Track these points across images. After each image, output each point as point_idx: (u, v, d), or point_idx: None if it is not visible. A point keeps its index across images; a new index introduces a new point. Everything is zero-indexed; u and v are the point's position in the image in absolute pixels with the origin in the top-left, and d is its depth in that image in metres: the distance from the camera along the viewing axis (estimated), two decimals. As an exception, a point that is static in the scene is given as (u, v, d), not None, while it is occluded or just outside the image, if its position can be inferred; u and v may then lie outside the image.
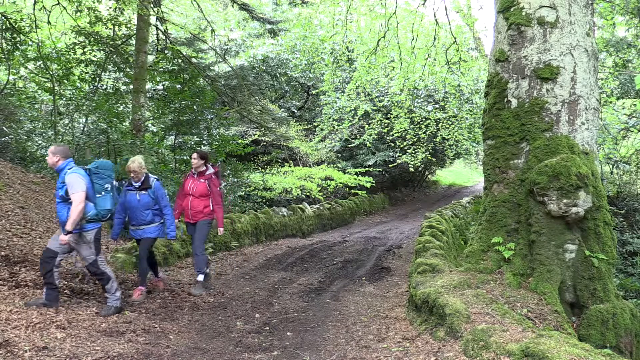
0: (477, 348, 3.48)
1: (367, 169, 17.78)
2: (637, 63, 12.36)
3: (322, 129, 15.78)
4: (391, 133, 15.87)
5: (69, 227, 4.46)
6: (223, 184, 10.93)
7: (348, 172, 17.20)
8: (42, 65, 10.20)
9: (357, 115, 14.86)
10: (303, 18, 14.11)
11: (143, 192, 5.45)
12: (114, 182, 4.97)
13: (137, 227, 5.52)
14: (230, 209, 10.99)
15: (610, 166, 13.12)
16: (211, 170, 6.28)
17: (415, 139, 16.48)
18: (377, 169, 18.52)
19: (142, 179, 5.47)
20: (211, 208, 6.18)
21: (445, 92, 14.29)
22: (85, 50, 10.76)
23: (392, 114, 15.20)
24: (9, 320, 3.99)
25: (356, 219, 16.41)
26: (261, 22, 15.51)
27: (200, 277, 6.14)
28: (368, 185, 16.25)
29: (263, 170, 15.63)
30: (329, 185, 15.82)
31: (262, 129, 15.81)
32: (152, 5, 10.98)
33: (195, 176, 6.22)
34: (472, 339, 3.58)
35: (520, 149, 5.14)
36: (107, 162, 5.00)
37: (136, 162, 5.45)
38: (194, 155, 6.28)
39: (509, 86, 5.28)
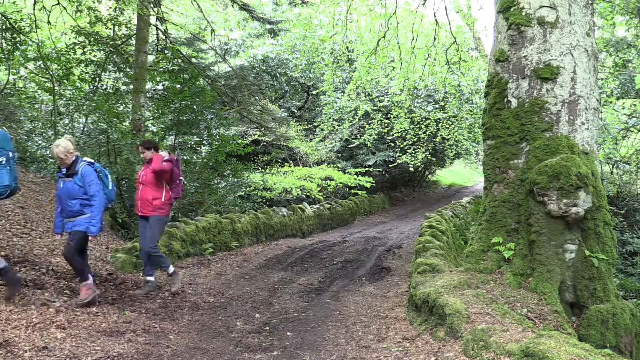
0: (477, 348, 3.48)
1: (367, 169, 17.78)
2: (637, 63, 12.36)
3: (322, 129, 15.79)
4: (391, 133, 15.88)
5: None
6: (222, 181, 10.92)
7: (348, 172, 17.20)
8: (42, 65, 10.19)
9: (357, 116, 14.87)
10: (303, 18, 14.12)
11: (69, 179, 4.88)
12: (12, 154, 4.45)
13: (68, 219, 4.93)
14: (230, 209, 10.99)
15: (610, 166, 13.13)
16: (166, 157, 5.85)
17: (415, 139, 16.48)
18: (377, 169, 18.52)
19: (70, 164, 4.91)
20: (162, 200, 5.78)
21: (445, 92, 14.30)
22: (85, 50, 10.75)
23: (392, 114, 15.20)
24: (9, 320, 3.99)
25: (356, 219, 16.41)
26: (261, 22, 15.52)
27: (150, 278, 5.73)
28: (368, 185, 16.25)
29: (263, 170, 15.63)
30: (329, 185, 15.82)
31: (262, 129, 15.81)
32: (152, 5, 10.98)
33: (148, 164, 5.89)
34: (472, 339, 3.58)
35: (520, 149, 5.14)
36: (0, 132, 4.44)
37: (60, 146, 4.84)
38: (140, 148, 5.95)
39: (509, 86, 5.28)
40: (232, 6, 15.66)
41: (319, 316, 5.31)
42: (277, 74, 17.08)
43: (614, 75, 12.27)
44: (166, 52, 11.71)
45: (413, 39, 11.72)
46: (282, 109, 18.42)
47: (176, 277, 5.90)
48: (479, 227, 5.46)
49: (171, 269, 5.86)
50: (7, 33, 9.15)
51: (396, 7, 10.99)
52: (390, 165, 18.69)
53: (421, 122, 15.88)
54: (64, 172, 4.93)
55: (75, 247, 4.87)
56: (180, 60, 11.35)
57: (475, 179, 30.95)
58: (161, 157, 5.79)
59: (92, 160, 5.06)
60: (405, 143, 16.81)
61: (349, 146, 18.62)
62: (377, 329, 4.80)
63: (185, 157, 10.98)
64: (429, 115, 15.56)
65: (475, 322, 3.86)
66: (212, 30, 13.16)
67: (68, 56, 10.34)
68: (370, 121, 16.12)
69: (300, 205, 13.03)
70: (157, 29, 12.42)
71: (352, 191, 17.21)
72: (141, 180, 5.84)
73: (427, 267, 5.54)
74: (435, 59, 12.87)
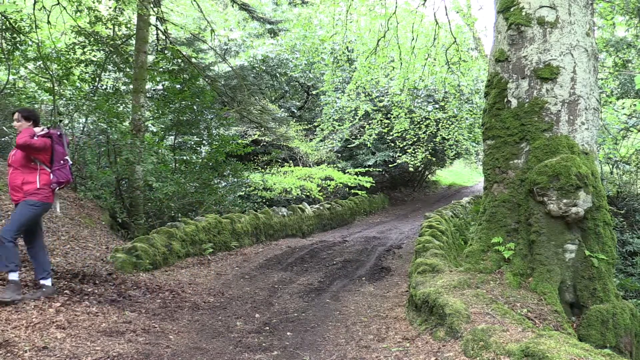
0: (477, 348, 3.48)
1: (367, 169, 17.80)
2: (637, 63, 12.36)
3: (322, 129, 15.80)
4: (391, 133, 15.89)
5: None
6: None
7: (348, 172, 17.21)
8: (42, 65, 10.18)
9: (357, 116, 14.88)
10: (303, 18, 14.13)
11: None
12: None
13: None
14: (230, 209, 10.99)
15: (610, 166, 13.14)
16: (41, 132, 4.77)
17: (415, 139, 16.49)
18: (377, 169, 18.52)
19: None
20: (38, 186, 4.69)
21: (445, 92, 14.30)
22: (85, 50, 10.74)
23: (392, 114, 15.21)
24: (9, 320, 3.99)
25: (356, 219, 16.41)
26: (261, 22, 15.51)
27: (14, 276, 4.48)
28: (368, 185, 16.26)
29: (263, 170, 15.64)
30: (329, 185, 15.82)
31: (262, 129, 15.82)
32: (152, 5, 10.98)
33: None
34: (472, 339, 3.58)
35: (520, 149, 5.15)
36: None
37: None
38: (15, 115, 4.81)
39: (509, 86, 5.28)
40: (232, 6, 15.65)
41: (319, 316, 5.32)
42: (277, 74, 17.09)
43: (614, 75, 12.27)
44: (166, 52, 11.71)
45: (413, 39, 11.73)
46: (282, 109, 18.43)
47: (13, 287, 4.46)
48: (479, 227, 5.46)
49: (14, 275, 4.52)
50: (7, 33, 9.15)
51: (396, 7, 11.00)
52: (390, 165, 18.69)
53: (421, 122, 15.88)
54: None
55: None
56: (180, 60, 11.36)
57: (475, 179, 30.95)
58: (31, 132, 4.69)
59: None
60: (405, 143, 16.82)
61: (349, 146, 18.63)
62: (377, 329, 4.80)
63: (185, 158, 10.99)
64: (429, 115, 15.56)
65: (475, 322, 3.86)
66: (212, 30, 13.15)
67: (68, 56, 10.33)
68: (370, 121, 16.13)
69: (300, 205, 13.03)
70: (157, 29, 12.42)
71: (352, 191, 17.21)
72: (10, 161, 4.80)
73: (427, 267, 5.54)
74: (435, 59, 12.88)
